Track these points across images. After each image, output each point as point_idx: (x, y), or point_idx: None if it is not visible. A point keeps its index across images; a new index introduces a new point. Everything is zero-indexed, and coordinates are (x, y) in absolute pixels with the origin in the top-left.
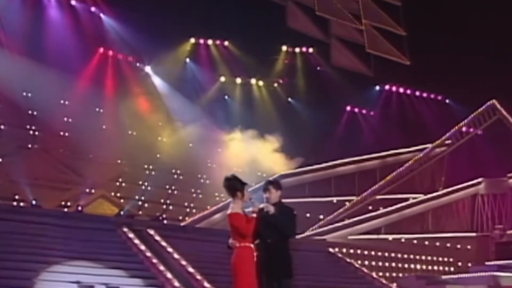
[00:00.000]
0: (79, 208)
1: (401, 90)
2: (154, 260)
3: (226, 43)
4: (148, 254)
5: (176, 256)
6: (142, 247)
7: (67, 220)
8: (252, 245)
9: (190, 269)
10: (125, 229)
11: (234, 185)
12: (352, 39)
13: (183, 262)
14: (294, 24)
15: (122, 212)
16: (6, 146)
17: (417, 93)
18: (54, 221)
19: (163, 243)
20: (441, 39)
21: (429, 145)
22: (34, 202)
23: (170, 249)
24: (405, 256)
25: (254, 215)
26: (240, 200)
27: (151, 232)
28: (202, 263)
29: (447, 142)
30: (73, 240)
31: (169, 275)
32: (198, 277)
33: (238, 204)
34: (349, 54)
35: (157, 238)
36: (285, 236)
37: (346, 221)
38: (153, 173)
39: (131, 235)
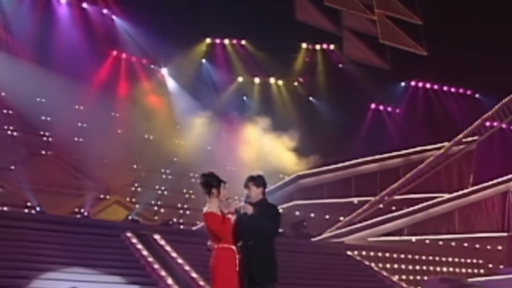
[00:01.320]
0: (85, 213)
1: (428, 85)
2: (156, 266)
3: (243, 42)
4: (150, 259)
5: (180, 261)
6: (145, 252)
7: (71, 226)
8: (233, 247)
9: (194, 275)
10: (129, 234)
11: (210, 181)
12: (365, 31)
13: (187, 268)
14: (303, 17)
15: (129, 217)
16: (19, 152)
17: (445, 88)
18: (57, 228)
19: (168, 248)
20: (465, 27)
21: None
22: (38, 209)
23: (174, 254)
24: (430, 258)
25: (230, 216)
26: (216, 198)
27: (156, 237)
28: (207, 268)
29: (472, 138)
30: (73, 246)
31: (170, 281)
32: (201, 282)
33: (214, 202)
34: (363, 46)
35: (162, 243)
36: (265, 237)
37: (366, 222)
38: (169, 177)
39: (134, 240)
